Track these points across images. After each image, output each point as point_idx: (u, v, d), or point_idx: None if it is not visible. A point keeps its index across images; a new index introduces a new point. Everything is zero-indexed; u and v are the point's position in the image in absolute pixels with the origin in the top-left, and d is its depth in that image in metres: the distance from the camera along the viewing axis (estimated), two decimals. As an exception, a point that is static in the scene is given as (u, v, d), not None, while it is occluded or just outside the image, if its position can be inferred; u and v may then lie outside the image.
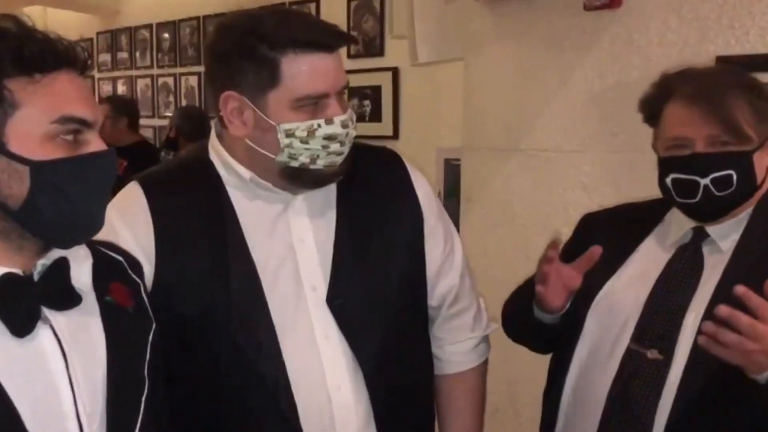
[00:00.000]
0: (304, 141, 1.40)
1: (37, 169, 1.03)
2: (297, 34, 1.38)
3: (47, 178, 1.03)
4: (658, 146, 1.54)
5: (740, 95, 1.44)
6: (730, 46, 1.97)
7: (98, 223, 1.11)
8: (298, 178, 1.46)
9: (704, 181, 1.43)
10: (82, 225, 1.09)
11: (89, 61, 1.11)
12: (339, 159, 1.45)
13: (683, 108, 1.46)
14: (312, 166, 1.43)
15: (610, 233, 1.62)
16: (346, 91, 1.48)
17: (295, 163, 1.43)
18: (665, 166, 1.50)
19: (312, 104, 1.40)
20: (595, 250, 1.50)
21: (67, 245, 1.11)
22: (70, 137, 1.05)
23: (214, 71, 1.47)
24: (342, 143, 1.43)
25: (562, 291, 1.54)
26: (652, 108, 1.54)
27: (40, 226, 1.06)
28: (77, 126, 1.05)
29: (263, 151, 1.44)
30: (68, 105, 1.05)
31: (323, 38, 1.40)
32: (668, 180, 1.49)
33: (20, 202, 1.03)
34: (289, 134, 1.40)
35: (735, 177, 1.43)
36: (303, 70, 1.38)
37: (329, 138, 1.41)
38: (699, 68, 1.58)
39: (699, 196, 1.45)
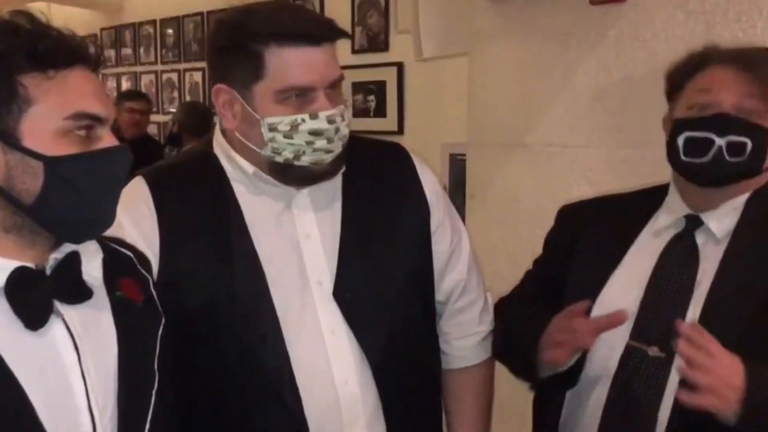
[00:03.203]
0: (287, 136, 1.40)
1: (51, 164, 1.04)
2: (280, 27, 1.38)
3: (61, 174, 1.04)
4: (676, 110, 1.50)
5: None
6: (737, 40, 1.95)
7: (110, 218, 1.12)
8: (285, 175, 1.45)
9: (720, 141, 1.39)
10: (95, 220, 1.11)
11: (101, 58, 1.12)
12: (328, 156, 1.44)
13: (720, 69, 1.43)
14: (297, 162, 1.43)
15: (600, 230, 1.58)
16: (341, 86, 1.46)
17: (279, 158, 1.43)
18: (681, 125, 1.45)
19: (297, 97, 1.39)
20: (620, 316, 1.40)
21: (79, 240, 1.12)
22: (83, 133, 1.06)
23: (210, 65, 1.50)
24: (330, 140, 1.41)
25: (569, 349, 1.44)
26: (684, 73, 1.50)
27: (53, 221, 1.07)
28: (90, 122, 1.06)
29: (251, 145, 1.44)
30: (81, 101, 1.06)
31: (307, 31, 1.39)
32: (680, 139, 1.44)
33: (34, 197, 1.04)
34: (272, 128, 1.40)
35: (749, 147, 1.39)
36: (286, 62, 1.38)
37: (314, 133, 1.40)
38: (742, 46, 1.56)
39: (710, 155, 1.40)
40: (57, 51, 1.05)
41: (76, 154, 1.05)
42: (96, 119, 1.07)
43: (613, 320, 1.40)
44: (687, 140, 1.44)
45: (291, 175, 1.45)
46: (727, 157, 1.40)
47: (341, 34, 1.47)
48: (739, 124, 1.40)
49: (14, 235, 1.07)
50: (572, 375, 1.49)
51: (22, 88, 1.03)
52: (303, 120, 1.39)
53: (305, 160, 1.42)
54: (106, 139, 1.09)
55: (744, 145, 1.39)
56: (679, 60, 1.54)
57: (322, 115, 1.40)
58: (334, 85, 1.43)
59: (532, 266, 1.77)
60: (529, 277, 1.75)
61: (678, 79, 1.52)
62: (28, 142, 1.04)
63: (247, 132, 1.44)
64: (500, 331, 1.69)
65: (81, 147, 1.06)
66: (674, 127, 1.47)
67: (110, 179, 1.10)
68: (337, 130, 1.42)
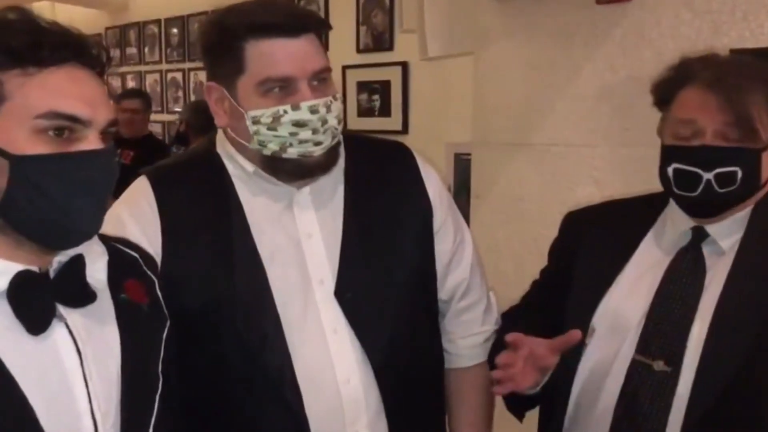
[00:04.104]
0: (271, 128, 1.40)
1: (16, 163, 1.00)
2: (256, 20, 1.39)
3: (26, 174, 1.00)
4: (664, 132, 1.48)
5: (760, 90, 1.38)
6: (743, 39, 1.95)
7: (89, 224, 1.07)
8: (277, 169, 1.45)
9: (707, 176, 1.37)
10: (69, 225, 1.04)
11: (105, 58, 1.08)
12: (317, 149, 1.43)
13: (700, 94, 1.40)
14: (284, 155, 1.42)
15: (602, 236, 1.57)
16: (329, 77, 1.46)
17: (267, 151, 1.43)
18: (669, 154, 1.44)
19: (280, 89, 1.39)
20: (575, 335, 1.40)
21: (56, 246, 1.07)
22: (62, 133, 1.02)
23: (204, 65, 1.51)
24: (315, 131, 1.41)
25: (532, 372, 1.43)
26: (666, 90, 1.48)
27: (21, 223, 1.03)
28: (66, 122, 1.01)
29: (240, 140, 1.45)
30: (59, 100, 1.01)
31: (283, 22, 1.40)
32: (669, 169, 1.43)
33: (1, 197, 1.01)
34: (256, 121, 1.40)
35: (740, 175, 1.37)
36: (264, 54, 1.39)
37: (297, 124, 1.40)
38: (722, 57, 1.51)
39: (699, 190, 1.39)
40: (38, 47, 1.00)
41: (43, 155, 1.00)
42: (74, 120, 1.02)
43: (568, 339, 1.41)
44: (676, 172, 1.42)
45: (283, 169, 1.45)
46: (718, 189, 1.38)
47: (319, 24, 1.47)
48: (725, 154, 1.37)
49: (1, 236, 1.04)
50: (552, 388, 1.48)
51: None
52: (285, 111, 1.39)
53: (292, 152, 1.42)
54: (88, 142, 1.03)
55: (734, 174, 1.37)
56: (661, 74, 1.52)
57: (304, 105, 1.39)
58: (320, 77, 1.43)
59: (539, 276, 1.76)
60: (536, 287, 1.74)
61: (663, 94, 1.50)
62: None
63: (236, 127, 1.45)
64: (494, 343, 1.67)
65: (56, 148, 1.01)
66: (663, 154, 1.46)
67: (85, 184, 1.03)
68: (323, 121, 1.41)
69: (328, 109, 1.42)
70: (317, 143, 1.42)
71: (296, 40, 1.39)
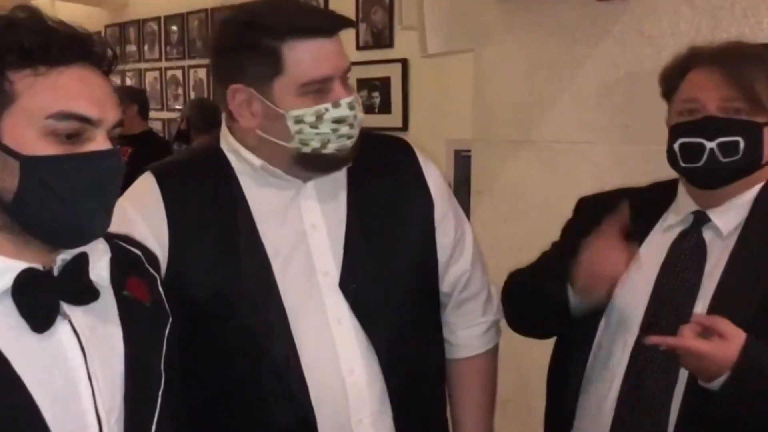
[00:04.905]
0: (313, 126, 1.43)
1: (27, 164, 1.00)
2: (294, 21, 1.41)
3: (36, 174, 1.00)
4: (670, 117, 1.52)
5: (761, 67, 1.42)
6: (743, 36, 1.95)
7: (98, 224, 1.07)
8: (312, 164, 1.48)
9: (710, 145, 1.42)
10: (78, 225, 1.04)
11: (112, 57, 1.08)
12: (349, 142, 1.48)
13: (703, 73, 1.46)
14: (324, 151, 1.45)
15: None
16: (349, 75, 1.50)
17: (307, 149, 1.45)
18: (675, 132, 1.48)
19: (317, 89, 1.42)
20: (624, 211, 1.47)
21: (64, 245, 1.07)
22: (69, 134, 1.01)
23: (219, 66, 1.49)
24: (351, 125, 1.46)
25: (607, 279, 1.47)
26: (672, 78, 1.53)
27: (30, 223, 1.03)
28: (77, 123, 1.01)
29: (275, 140, 1.46)
30: (69, 101, 1.01)
31: (320, 23, 1.43)
32: (676, 146, 1.47)
33: (11, 197, 1.01)
34: (299, 120, 1.42)
35: (742, 145, 1.41)
36: (305, 56, 1.40)
37: (338, 121, 1.44)
38: (725, 42, 1.56)
39: (703, 160, 1.43)
40: (48, 47, 1.00)
41: (54, 156, 1.00)
42: (85, 121, 1.02)
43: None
44: (682, 146, 1.46)
45: (317, 163, 1.48)
46: (721, 159, 1.42)
47: (349, 24, 1.50)
48: (727, 124, 1.41)
49: (7, 234, 1.04)
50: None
51: (8, 83, 0.99)
52: (326, 109, 1.43)
53: (331, 148, 1.46)
54: (98, 143, 1.03)
55: (737, 143, 1.41)
56: (668, 63, 1.57)
57: (344, 102, 1.44)
58: (346, 74, 1.47)
59: (550, 248, 1.77)
60: (545, 255, 1.76)
61: (669, 82, 1.55)
62: (7, 139, 0.99)
63: (269, 127, 1.45)
64: (513, 283, 1.70)
65: (66, 149, 1.01)
66: (670, 134, 1.50)
67: (96, 184, 1.04)
68: (356, 116, 1.46)
69: (359, 104, 1.47)
70: (350, 137, 1.47)
71: (330, 40, 1.43)
